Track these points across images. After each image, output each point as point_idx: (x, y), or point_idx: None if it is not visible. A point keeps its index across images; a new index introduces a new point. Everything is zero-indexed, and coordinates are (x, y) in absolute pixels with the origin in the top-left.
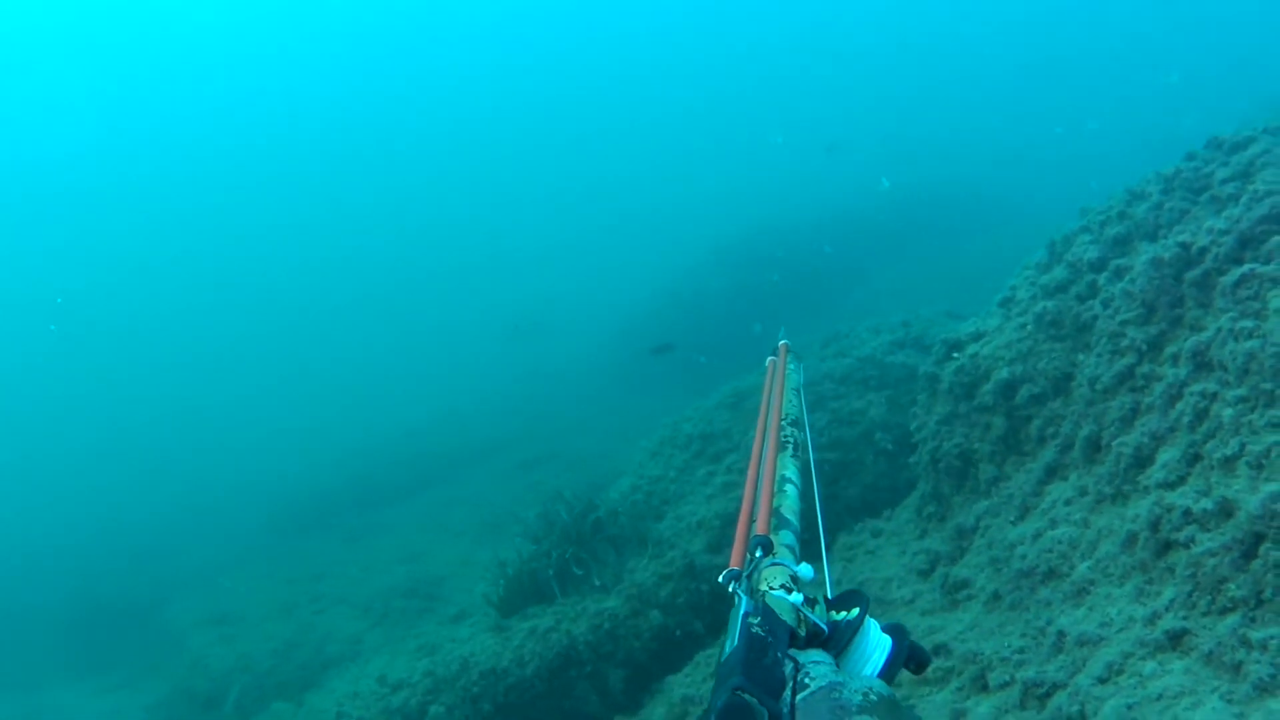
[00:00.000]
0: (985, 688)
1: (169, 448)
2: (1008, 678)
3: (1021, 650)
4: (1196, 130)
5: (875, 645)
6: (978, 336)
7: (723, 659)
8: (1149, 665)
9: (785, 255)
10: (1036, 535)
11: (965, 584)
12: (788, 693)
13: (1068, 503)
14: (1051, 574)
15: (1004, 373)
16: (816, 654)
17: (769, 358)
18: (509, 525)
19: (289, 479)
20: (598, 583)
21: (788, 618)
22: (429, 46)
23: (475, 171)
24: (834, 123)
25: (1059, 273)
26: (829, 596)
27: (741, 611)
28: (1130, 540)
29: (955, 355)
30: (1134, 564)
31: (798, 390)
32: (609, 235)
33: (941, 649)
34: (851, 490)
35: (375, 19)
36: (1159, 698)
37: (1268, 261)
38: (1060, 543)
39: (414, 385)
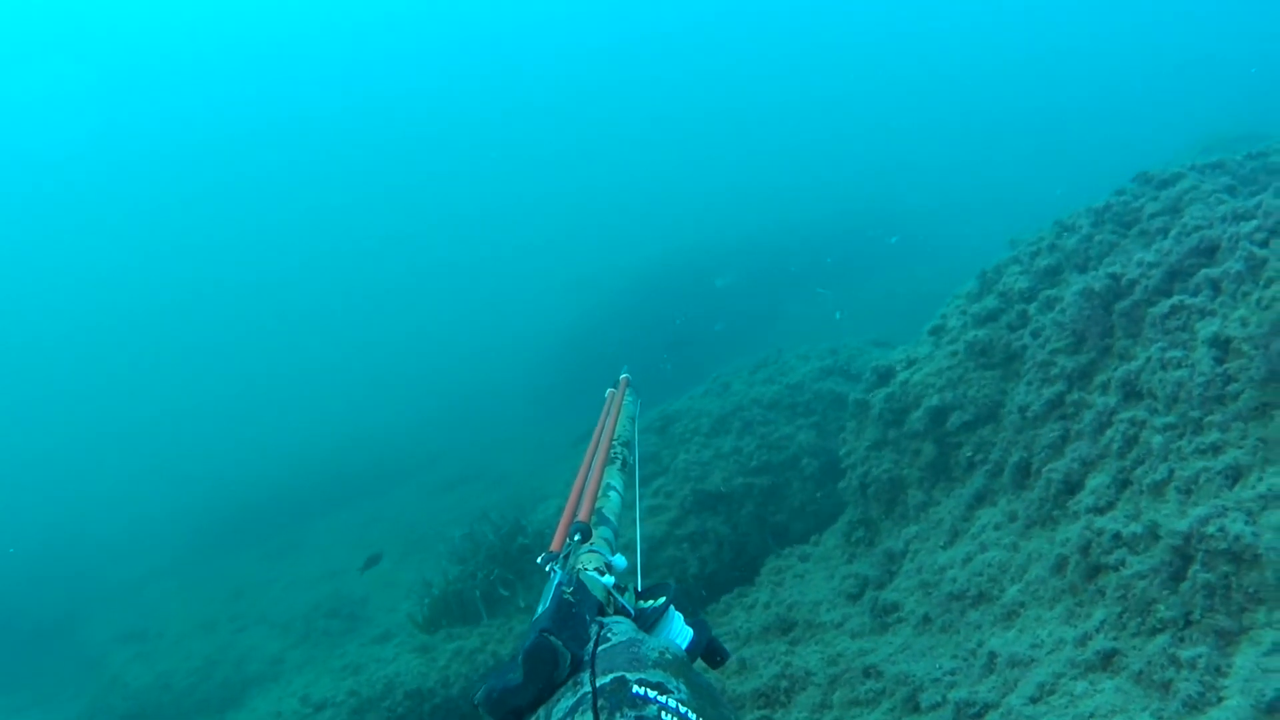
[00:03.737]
0: (917, 708)
1: (85, 463)
2: (939, 698)
3: (953, 671)
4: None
5: (678, 633)
6: (908, 364)
7: (533, 620)
8: (1080, 685)
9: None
10: (966, 559)
11: (895, 607)
12: (590, 645)
13: (997, 527)
14: (982, 597)
15: (934, 400)
16: (620, 619)
17: (609, 389)
18: (431, 544)
19: (208, 495)
20: (523, 604)
21: (598, 597)
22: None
23: (402, 194)
24: (765, 153)
25: (989, 302)
26: (639, 589)
27: (555, 581)
28: (1060, 564)
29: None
30: (1064, 587)
31: (632, 418)
32: (533, 258)
33: (872, 671)
34: (779, 515)
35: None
36: (1090, 716)
37: (1196, 294)
38: (990, 566)
39: (335, 403)
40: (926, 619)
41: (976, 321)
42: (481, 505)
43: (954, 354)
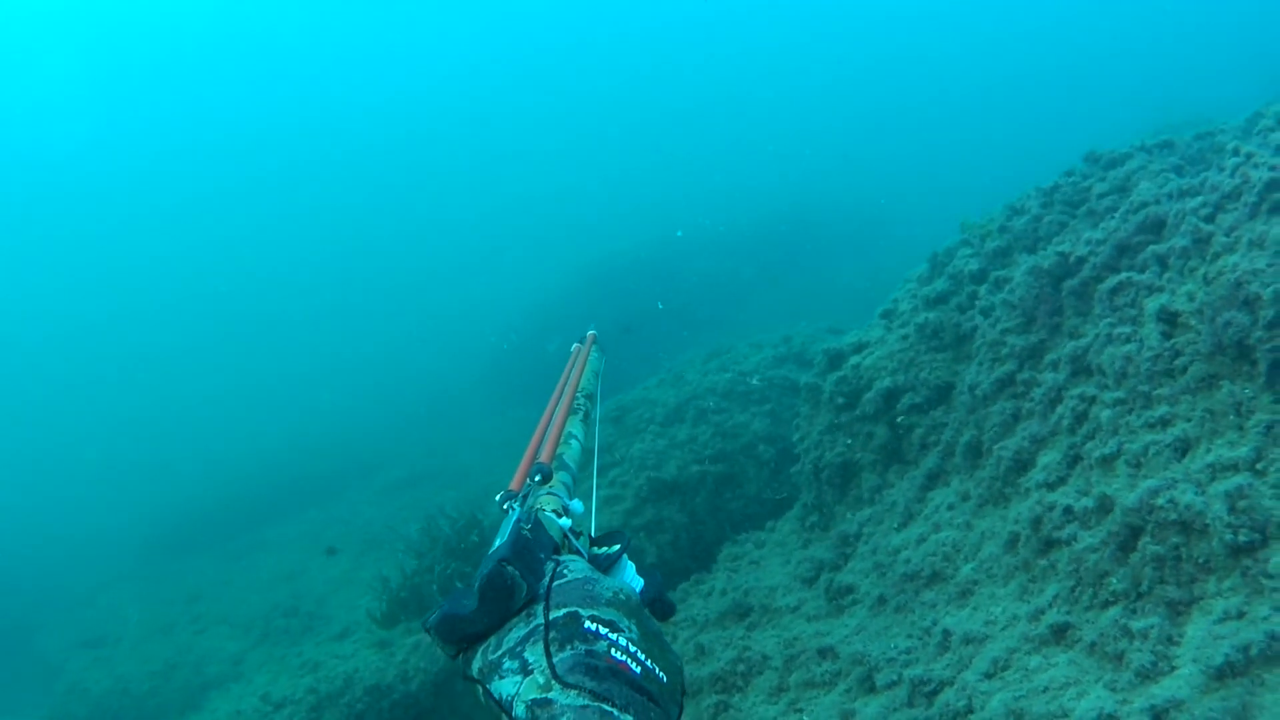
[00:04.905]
0: (873, 688)
1: (39, 468)
2: (895, 677)
3: (908, 650)
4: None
5: (630, 580)
6: (860, 348)
7: (490, 552)
8: (1034, 659)
9: (669, 273)
10: (920, 540)
11: (850, 589)
12: (547, 579)
13: (950, 507)
14: (936, 577)
15: (886, 382)
16: (576, 558)
17: (574, 344)
18: (389, 543)
19: (165, 499)
20: None
21: (555, 538)
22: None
23: (354, 188)
24: (719, 147)
25: (940, 284)
26: (593, 535)
27: (513, 518)
28: (1013, 541)
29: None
30: (1017, 563)
31: (597, 373)
32: (486, 257)
33: (828, 652)
34: (735, 502)
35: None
36: (1045, 689)
37: (1143, 270)
38: (944, 546)
39: (291, 404)
40: (881, 600)
41: (927, 304)
42: (438, 502)
43: (905, 337)
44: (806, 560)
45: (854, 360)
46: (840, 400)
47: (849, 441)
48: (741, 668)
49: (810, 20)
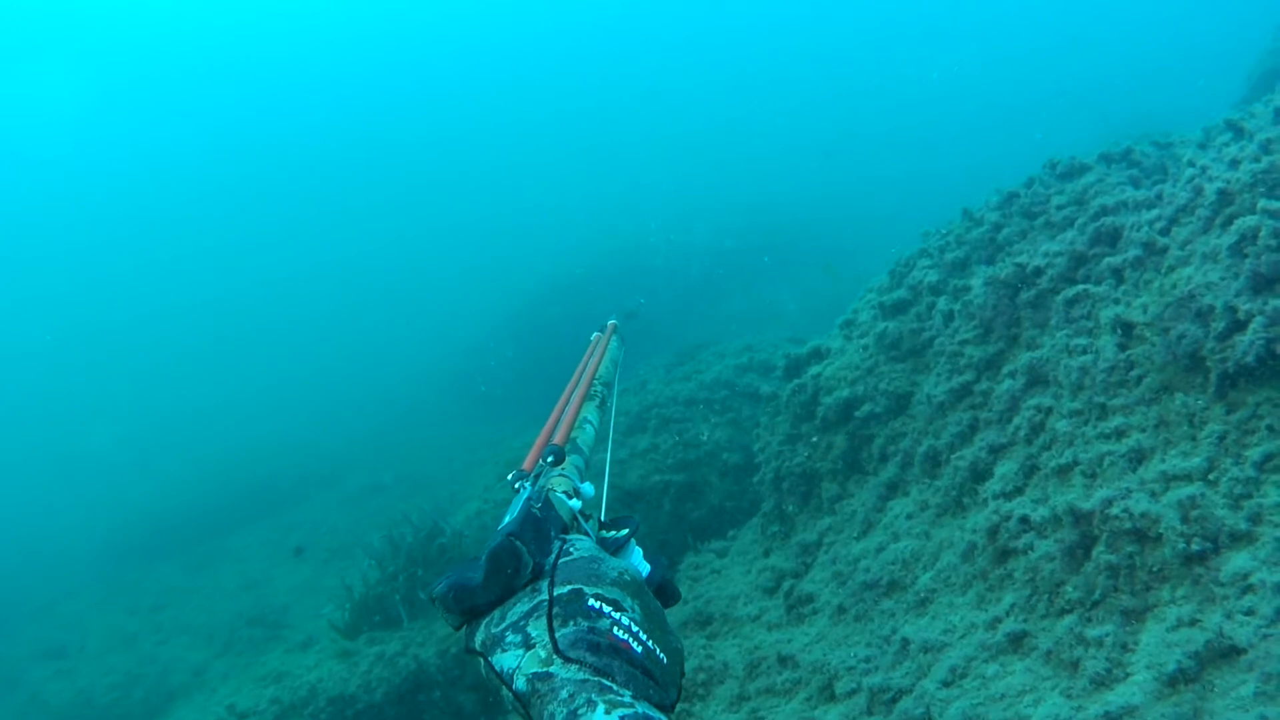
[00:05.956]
0: (833, 696)
1: None
2: (854, 685)
3: (867, 659)
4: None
5: (637, 564)
6: (819, 357)
7: (499, 528)
8: (991, 667)
9: (633, 282)
10: (879, 549)
11: (810, 599)
12: (553, 556)
13: (909, 517)
14: (894, 586)
15: (845, 392)
16: (582, 538)
17: (594, 333)
18: (353, 551)
19: (124, 508)
20: None
21: (564, 518)
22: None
23: (321, 192)
24: (681, 159)
25: (899, 295)
26: (603, 520)
27: (524, 496)
28: (970, 550)
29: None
30: (974, 572)
31: (615, 363)
32: (455, 259)
33: (789, 661)
34: (697, 512)
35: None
36: (1002, 697)
37: (1099, 282)
38: (902, 555)
39: (257, 411)
40: (841, 609)
41: (886, 314)
42: (402, 510)
43: (864, 347)
44: (768, 569)
45: (813, 370)
46: (800, 410)
47: (809, 451)
48: (703, 676)
49: (780, 28)
